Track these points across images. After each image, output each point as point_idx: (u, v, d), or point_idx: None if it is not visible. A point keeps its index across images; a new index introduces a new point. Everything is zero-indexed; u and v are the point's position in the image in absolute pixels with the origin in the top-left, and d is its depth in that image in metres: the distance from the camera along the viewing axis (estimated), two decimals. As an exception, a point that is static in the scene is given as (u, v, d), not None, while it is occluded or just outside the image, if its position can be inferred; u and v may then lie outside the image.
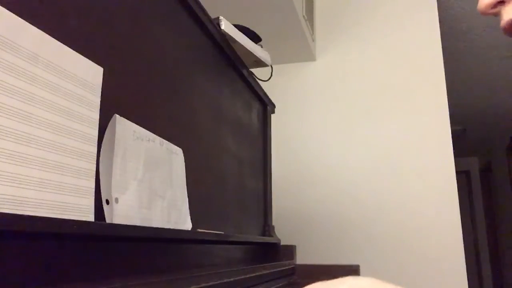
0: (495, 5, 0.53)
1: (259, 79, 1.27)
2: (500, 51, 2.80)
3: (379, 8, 2.07)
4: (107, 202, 0.51)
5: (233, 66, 1.07)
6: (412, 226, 1.79)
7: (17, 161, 0.39)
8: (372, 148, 1.92)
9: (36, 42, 0.43)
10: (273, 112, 1.41)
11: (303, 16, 1.82)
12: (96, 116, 0.51)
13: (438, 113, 1.87)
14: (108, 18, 0.58)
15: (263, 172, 1.29)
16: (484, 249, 5.19)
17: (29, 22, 0.42)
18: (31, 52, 0.42)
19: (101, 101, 0.52)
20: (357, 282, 0.38)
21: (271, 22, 1.73)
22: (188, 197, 0.73)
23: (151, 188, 0.61)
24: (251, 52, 1.13)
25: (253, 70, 1.22)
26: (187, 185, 0.73)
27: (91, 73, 0.51)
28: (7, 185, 0.37)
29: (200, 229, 0.78)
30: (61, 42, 0.46)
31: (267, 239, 1.22)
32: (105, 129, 0.53)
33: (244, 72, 1.13)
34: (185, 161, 0.73)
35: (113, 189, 0.52)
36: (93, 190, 0.49)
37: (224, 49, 0.99)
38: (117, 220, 0.52)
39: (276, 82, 1.49)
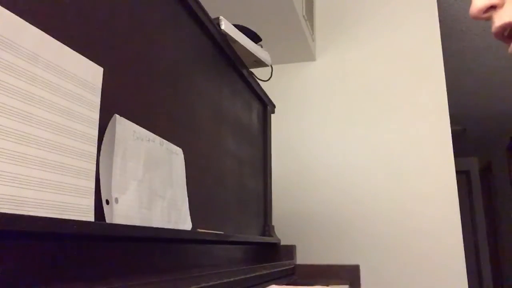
0: (486, 10, 0.53)
1: (259, 79, 1.27)
2: (500, 51, 2.80)
3: (379, 8, 2.07)
4: (107, 202, 0.51)
5: (233, 66, 1.07)
6: (412, 226, 1.79)
7: (17, 161, 0.39)
8: (372, 148, 1.92)
9: (36, 42, 0.43)
10: (273, 112, 1.41)
11: (303, 16, 1.82)
12: (96, 116, 0.51)
13: (438, 113, 1.87)
14: (108, 18, 0.58)
15: (263, 172, 1.29)
16: (484, 249, 5.20)
17: (29, 22, 0.42)
18: (31, 52, 0.42)
19: (101, 101, 0.52)
20: None
21: (271, 22, 1.74)
22: (188, 197, 0.73)
23: (151, 188, 0.61)
24: (251, 52, 1.13)
25: (253, 70, 1.22)
26: (187, 185, 0.73)
27: (91, 73, 0.51)
28: (7, 185, 0.37)
29: (200, 229, 0.78)
30: (61, 42, 0.46)
31: (267, 239, 1.22)
32: (105, 129, 0.53)
33: (244, 72, 1.13)
34: (185, 161, 0.73)
35: (113, 189, 0.52)
36: (93, 190, 0.49)
37: (224, 49, 0.99)
38: (117, 220, 0.52)
39: (276, 82, 1.49)
